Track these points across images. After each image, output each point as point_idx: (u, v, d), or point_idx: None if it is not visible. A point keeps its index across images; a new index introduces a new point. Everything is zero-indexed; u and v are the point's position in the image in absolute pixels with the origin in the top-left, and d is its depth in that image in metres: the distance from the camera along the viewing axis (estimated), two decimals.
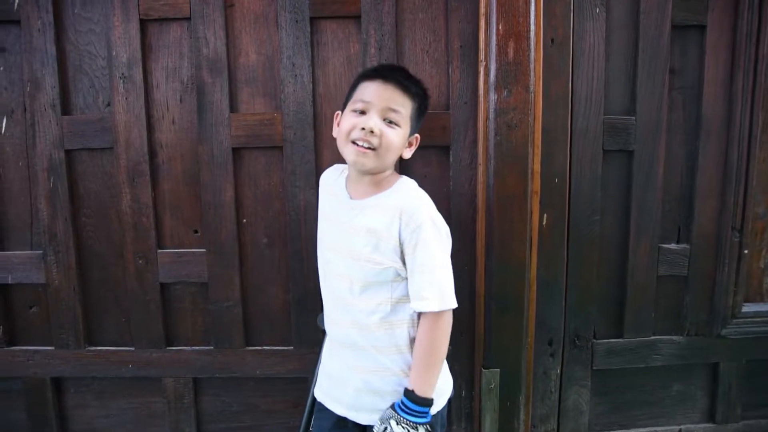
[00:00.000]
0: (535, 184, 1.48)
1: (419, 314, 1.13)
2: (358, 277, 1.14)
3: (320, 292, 1.28)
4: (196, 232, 1.60)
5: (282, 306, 1.63)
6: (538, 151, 1.47)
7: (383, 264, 1.11)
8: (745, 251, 1.62)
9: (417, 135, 1.22)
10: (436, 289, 1.10)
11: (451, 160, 1.53)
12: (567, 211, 1.55)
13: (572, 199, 1.56)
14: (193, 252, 1.60)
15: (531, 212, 1.48)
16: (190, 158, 1.56)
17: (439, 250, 1.12)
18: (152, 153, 1.56)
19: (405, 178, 1.22)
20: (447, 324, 1.12)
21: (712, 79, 1.56)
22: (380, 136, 1.10)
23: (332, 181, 1.28)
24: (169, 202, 1.59)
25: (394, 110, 1.12)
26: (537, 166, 1.48)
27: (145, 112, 1.53)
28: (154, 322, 1.63)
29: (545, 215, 1.53)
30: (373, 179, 1.18)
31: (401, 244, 1.11)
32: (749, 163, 1.58)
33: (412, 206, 1.11)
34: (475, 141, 1.51)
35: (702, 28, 1.54)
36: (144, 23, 1.50)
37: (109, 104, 1.54)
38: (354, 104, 1.14)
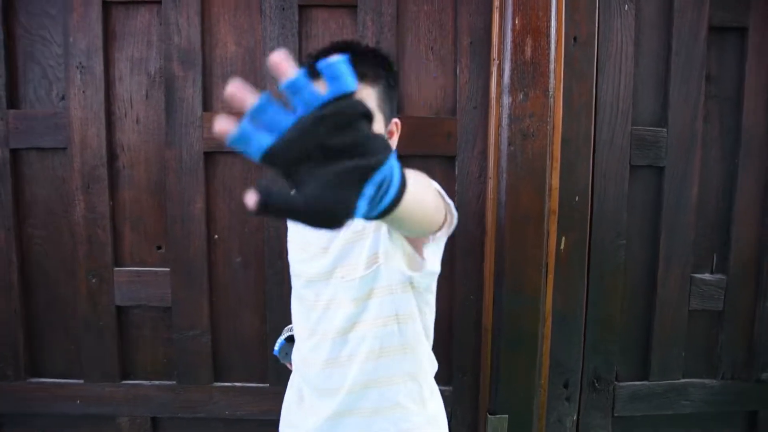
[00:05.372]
0: (553, 203, 1.31)
1: None
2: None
3: None
4: (159, 248, 1.40)
5: (257, 336, 1.41)
6: (556, 165, 1.30)
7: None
8: None
9: (396, 120, 0.94)
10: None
11: (456, 172, 1.34)
12: (588, 233, 1.37)
13: (594, 221, 1.38)
14: (156, 271, 1.39)
15: (548, 234, 1.31)
16: (156, 163, 1.37)
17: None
18: (112, 156, 1.37)
19: None
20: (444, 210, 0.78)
21: (754, 88, 1.40)
22: None
23: None
24: (129, 213, 1.39)
25: None
26: (555, 182, 1.31)
27: (105, 109, 1.35)
28: (108, 352, 1.41)
29: (563, 238, 1.35)
30: None
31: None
32: None
33: None
34: (485, 151, 1.33)
35: (743, 30, 1.38)
36: (107, 6, 1.33)
37: (63, 98, 1.35)
38: None
